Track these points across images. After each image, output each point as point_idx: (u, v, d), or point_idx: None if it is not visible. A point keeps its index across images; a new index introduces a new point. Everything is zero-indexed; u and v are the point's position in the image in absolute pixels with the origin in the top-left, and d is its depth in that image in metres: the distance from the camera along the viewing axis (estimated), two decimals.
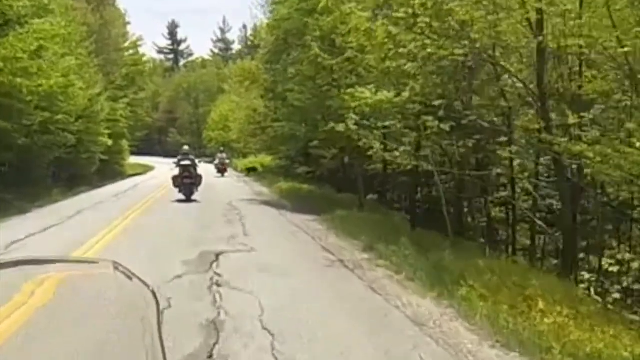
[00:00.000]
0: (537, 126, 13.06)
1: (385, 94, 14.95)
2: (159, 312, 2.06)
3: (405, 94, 15.03)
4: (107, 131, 42.34)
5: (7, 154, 29.82)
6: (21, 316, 1.96)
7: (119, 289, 2.31)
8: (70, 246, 13.16)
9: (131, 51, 55.44)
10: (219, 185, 36.75)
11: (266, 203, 25.50)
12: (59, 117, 32.13)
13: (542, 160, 16.28)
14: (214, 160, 56.11)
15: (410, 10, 13.95)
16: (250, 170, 53.78)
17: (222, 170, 51.51)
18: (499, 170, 17.52)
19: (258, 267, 11.39)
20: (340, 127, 15.32)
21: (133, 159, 72.83)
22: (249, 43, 75.68)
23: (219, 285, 10.12)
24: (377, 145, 15.22)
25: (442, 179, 19.23)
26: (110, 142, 41.96)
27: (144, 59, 56.72)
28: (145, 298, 2.17)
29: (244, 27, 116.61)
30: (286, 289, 10.05)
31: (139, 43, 55.32)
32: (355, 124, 15.05)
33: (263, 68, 26.13)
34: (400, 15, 14.38)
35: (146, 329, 1.98)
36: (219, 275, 10.73)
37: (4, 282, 2.16)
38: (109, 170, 50.21)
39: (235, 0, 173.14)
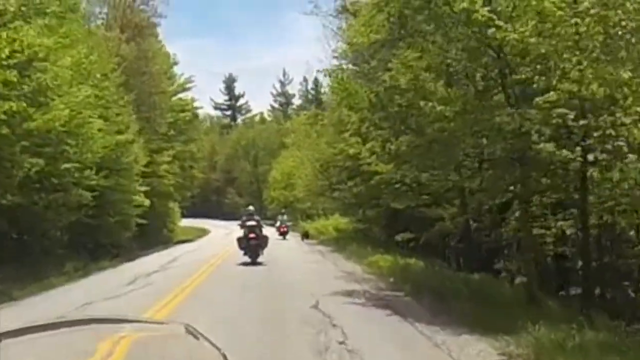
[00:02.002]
0: None
1: None
2: None
3: None
4: (143, 188, 32.62)
5: None
6: None
7: (189, 352, 2.38)
8: None
9: (180, 95, 46.08)
10: (288, 258, 26.82)
11: (378, 302, 14.50)
12: (68, 166, 22.91)
13: None
14: (275, 222, 50.69)
15: None
16: (305, 235, 43.90)
17: (283, 232, 46.69)
18: None
19: None
20: None
21: (187, 222, 64.57)
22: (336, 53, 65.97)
23: None
24: None
25: None
26: (147, 202, 32.16)
27: (195, 104, 47.10)
28: None
29: (305, 80, 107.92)
30: None
31: (187, 85, 45.91)
32: None
33: (363, 76, 15.97)
34: None
35: None
36: None
37: (77, 340, 2.28)
38: (153, 236, 40.89)
39: (294, 57, 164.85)
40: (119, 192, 30.46)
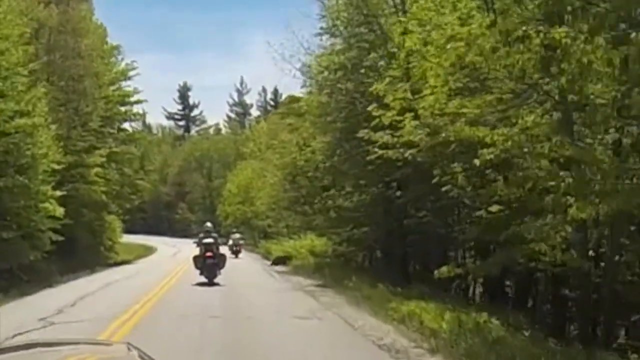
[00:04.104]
0: None
1: None
2: None
3: None
4: (58, 193, 23.39)
5: None
6: None
7: None
8: None
9: (122, 84, 36.76)
10: (263, 305, 16.17)
11: None
12: None
13: None
14: (227, 241, 44.70)
15: None
16: (277, 261, 34.58)
17: (236, 252, 42.97)
18: None
19: None
20: None
21: (133, 239, 56.24)
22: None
23: None
24: None
25: None
26: (59, 211, 22.95)
27: (137, 97, 37.33)
28: None
29: (264, 90, 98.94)
30: None
31: (130, 73, 36.48)
32: None
33: None
34: None
35: None
36: None
37: None
38: (83, 256, 31.69)
39: (251, 75, 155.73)
40: (21, 196, 21.39)
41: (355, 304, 16.15)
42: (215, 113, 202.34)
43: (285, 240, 38.24)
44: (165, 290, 19.33)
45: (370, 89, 13.54)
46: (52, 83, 29.27)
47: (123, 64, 36.53)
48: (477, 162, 9.51)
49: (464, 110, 10.71)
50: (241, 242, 45.84)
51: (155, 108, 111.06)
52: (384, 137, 16.33)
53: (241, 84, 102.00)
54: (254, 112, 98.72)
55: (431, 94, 11.06)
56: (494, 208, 12.12)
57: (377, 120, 16.31)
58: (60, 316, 13.51)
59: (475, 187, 12.98)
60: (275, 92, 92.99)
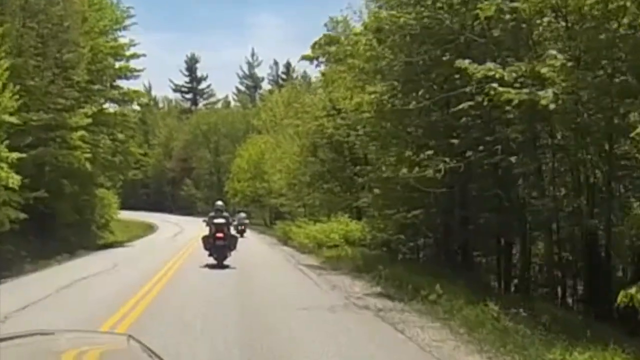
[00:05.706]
0: None
1: None
2: None
3: None
4: (15, 154, 17.05)
5: None
6: None
7: None
8: None
9: (117, 34, 30.37)
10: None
11: None
12: None
13: None
14: (233, 220, 37.39)
15: None
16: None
17: (241, 231, 38.88)
18: None
19: None
20: None
21: (133, 216, 50.98)
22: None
23: None
24: None
25: None
26: (14, 179, 16.63)
27: (134, 49, 30.65)
28: None
29: (275, 63, 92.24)
30: None
31: (126, 22, 29.93)
32: None
33: None
34: None
35: None
36: None
37: (19, 353, 2.07)
38: (66, 235, 26.15)
39: (262, 55, 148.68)
40: None
41: (477, 347, 8.79)
42: (224, 91, 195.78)
43: (304, 221, 31.80)
44: (149, 300, 12.91)
45: None
46: (29, 28, 23.33)
47: (118, 11, 30.03)
48: None
49: None
50: (246, 221, 43.15)
51: (163, 85, 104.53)
52: (497, 69, 9.96)
53: (252, 55, 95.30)
54: (265, 86, 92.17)
55: None
56: None
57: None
58: None
59: None
60: (288, 65, 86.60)
